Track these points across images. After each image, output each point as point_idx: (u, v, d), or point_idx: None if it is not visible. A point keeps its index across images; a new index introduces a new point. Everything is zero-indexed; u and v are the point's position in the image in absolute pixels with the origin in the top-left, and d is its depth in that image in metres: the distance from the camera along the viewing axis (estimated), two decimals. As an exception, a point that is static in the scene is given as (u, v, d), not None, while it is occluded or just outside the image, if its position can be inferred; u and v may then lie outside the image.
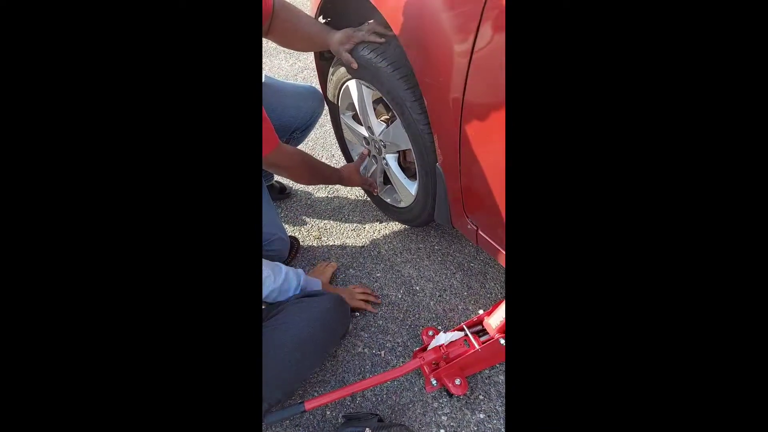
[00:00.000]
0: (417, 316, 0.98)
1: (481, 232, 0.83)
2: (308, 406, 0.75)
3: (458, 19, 0.63)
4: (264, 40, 0.98)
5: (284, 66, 2.10)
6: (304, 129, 1.17)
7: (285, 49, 1.95)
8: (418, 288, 1.05)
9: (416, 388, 0.85)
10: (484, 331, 0.85)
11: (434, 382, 0.82)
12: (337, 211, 1.29)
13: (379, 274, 1.09)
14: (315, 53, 1.14)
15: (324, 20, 1.02)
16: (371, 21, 0.87)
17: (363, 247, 1.17)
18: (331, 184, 1.11)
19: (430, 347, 0.84)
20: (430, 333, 0.90)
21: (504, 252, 0.78)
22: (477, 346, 0.80)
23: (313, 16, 0.99)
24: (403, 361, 0.89)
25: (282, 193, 1.34)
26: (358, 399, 0.84)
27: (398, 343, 0.93)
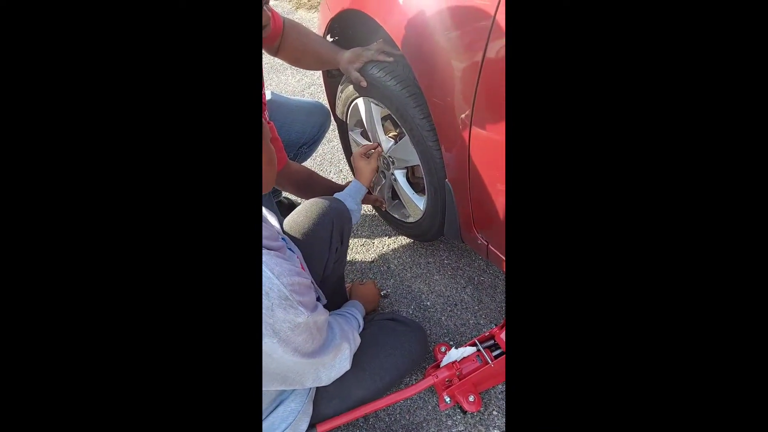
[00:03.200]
0: (428, 331, 0.97)
1: (491, 248, 0.83)
2: (320, 429, 0.74)
3: (467, 37, 0.64)
4: (272, 58, 1.00)
5: (291, 82, 2.13)
6: (311, 144, 1.18)
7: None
8: (428, 303, 1.04)
9: (430, 406, 0.84)
10: (496, 346, 0.84)
11: (448, 399, 0.81)
12: (346, 225, 1.30)
13: (389, 290, 1.08)
14: (323, 71, 1.16)
15: (332, 39, 1.03)
16: (380, 40, 0.88)
17: (372, 262, 1.17)
18: None
19: (442, 364, 0.83)
20: (443, 349, 0.89)
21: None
22: (490, 362, 0.79)
23: (321, 35, 1.01)
24: (416, 379, 0.88)
25: (291, 209, 1.34)
26: (371, 420, 0.83)
27: (410, 359, 0.93)
